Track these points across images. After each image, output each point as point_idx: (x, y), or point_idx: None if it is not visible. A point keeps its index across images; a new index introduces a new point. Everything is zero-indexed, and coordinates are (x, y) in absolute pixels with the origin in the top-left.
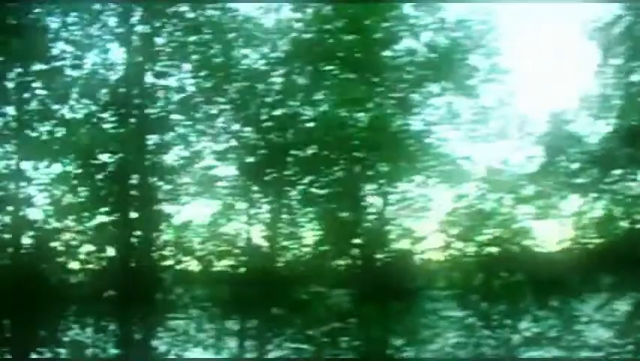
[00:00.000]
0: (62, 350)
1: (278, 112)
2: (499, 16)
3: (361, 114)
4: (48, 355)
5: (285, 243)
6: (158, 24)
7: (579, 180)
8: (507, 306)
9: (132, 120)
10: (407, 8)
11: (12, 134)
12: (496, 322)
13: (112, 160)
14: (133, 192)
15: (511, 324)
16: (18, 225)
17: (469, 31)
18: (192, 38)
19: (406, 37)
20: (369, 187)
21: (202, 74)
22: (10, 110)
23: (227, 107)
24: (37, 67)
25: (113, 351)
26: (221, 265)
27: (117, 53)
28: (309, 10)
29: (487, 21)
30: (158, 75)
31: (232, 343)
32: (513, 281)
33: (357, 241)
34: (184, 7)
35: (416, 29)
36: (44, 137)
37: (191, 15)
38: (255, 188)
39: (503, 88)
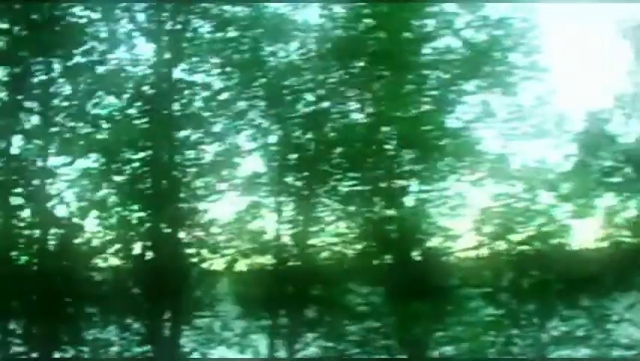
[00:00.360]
0: (88, 349)
1: (313, 109)
2: (539, 15)
3: (399, 111)
4: (73, 353)
5: (318, 240)
6: (186, 20)
7: (613, 179)
8: (539, 305)
9: (161, 117)
10: (448, 6)
11: (40, 131)
12: (526, 321)
13: (140, 157)
14: (162, 189)
15: (542, 323)
16: (45, 221)
17: (510, 29)
18: (221, 35)
19: (446, 34)
20: (405, 184)
21: (234, 70)
22: (37, 106)
23: (261, 103)
24: (64, 63)
25: (139, 350)
26: (252, 262)
27: (144, 49)
28: (346, 8)
29: (528, 19)
30: (187, 71)
31: (263, 342)
32: (545, 280)
33: (392, 238)
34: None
35: (456, 27)
36: (72, 133)
37: (220, 11)
38: (289, 185)
39: (542, 86)
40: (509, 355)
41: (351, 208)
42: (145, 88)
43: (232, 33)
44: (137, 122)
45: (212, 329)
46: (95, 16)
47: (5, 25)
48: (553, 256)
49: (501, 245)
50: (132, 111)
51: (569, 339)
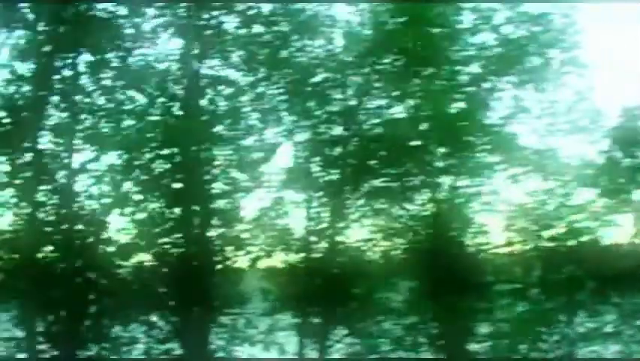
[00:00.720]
0: (114, 346)
1: (348, 105)
2: (578, 12)
3: (435, 107)
4: (98, 351)
5: (354, 236)
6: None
7: None
8: (570, 301)
9: (190, 113)
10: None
11: (66, 126)
12: (557, 317)
13: (170, 153)
14: (191, 186)
15: (572, 319)
16: (71, 217)
17: (550, 25)
18: (248, 30)
19: (484, 30)
20: (441, 180)
21: (265, 65)
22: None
23: (294, 99)
24: (90, 58)
25: (167, 347)
26: (284, 259)
27: (172, 45)
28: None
29: (567, 15)
30: (217, 68)
31: (293, 340)
32: (576, 276)
33: (427, 234)
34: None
35: (494, 23)
36: (98, 129)
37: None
38: (323, 181)
39: (580, 82)
40: (540, 352)
41: (386, 204)
42: (172, 84)
43: (263, 29)
44: (165, 118)
45: (241, 326)
46: (122, 12)
47: (30, 21)
48: (586, 252)
49: (535, 241)
50: (160, 107)
51: (599, 335)
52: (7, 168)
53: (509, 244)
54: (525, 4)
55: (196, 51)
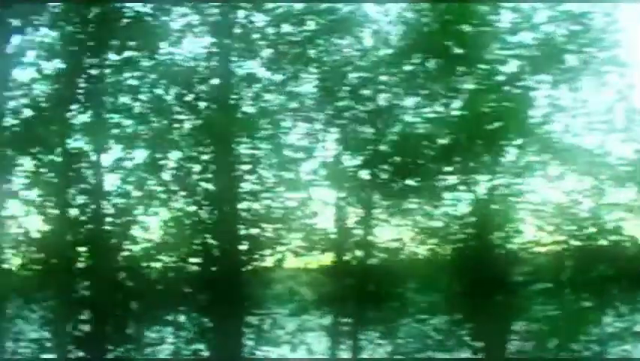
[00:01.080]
0: (141, 347)
1: (384, 104)
2: (619, 11)
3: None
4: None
5: (389, 236)
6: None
7: None
8: (602, 300)
9: (220, 112)
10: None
11: (94, 125)
12: (588, 315)
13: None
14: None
15: (602, 318)
16: (100, 217)
17: (590, 24)
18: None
19: (524, 29)
20: (479, 179)
21: (300, 63)
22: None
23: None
24: (114, 57)
25: (196, 348)
26: (316, 259)
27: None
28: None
29: (609, 14)
30: (246, 67)
31: (326, 341)
32: (611, 275)
33: (463, 233)
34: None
35: (534, 22)
36: (126, 128)
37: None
38: (360, 180)
39: (620, 81)
40: (573, 351)
41: (421, 204)
42: (202, 83)
43: (294, 28)
44: (195, 116)
45: (271, 327)
46: (150, 11)
47: (57, 20)
48: (622, 251)
49: (571, 240)
50: (189, 106)
51: (630, 335)
52: (35, 167)
53: (546, 243)
54: (566, 4)
55: (226, 49)
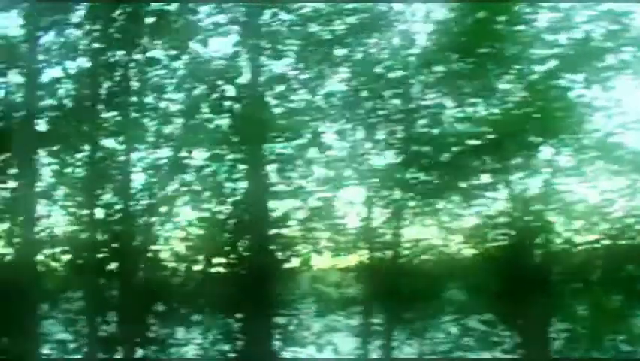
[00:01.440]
0: (168, 349)
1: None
2: None
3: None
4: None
5: (429, 235)
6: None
7: None
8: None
9: (249, 111)
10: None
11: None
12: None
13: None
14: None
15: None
16: (129, 217)
17: (630, 23)
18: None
19: (563, 29)
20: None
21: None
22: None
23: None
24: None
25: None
26: (347, 258)
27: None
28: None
29: None
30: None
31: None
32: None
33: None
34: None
35: (573, 21)
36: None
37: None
38: (400, 179)
39: None
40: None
41: (456, 203)
42: (229, 82)
43: (323, 27)
44: (223, 116)
45: (301, 327)
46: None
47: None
48: None
49: (607, 239)
50: (216, 106)
51: None
52: (63, 167)
53: (582, 242)
54: (608, 4)
55: (255, 48)
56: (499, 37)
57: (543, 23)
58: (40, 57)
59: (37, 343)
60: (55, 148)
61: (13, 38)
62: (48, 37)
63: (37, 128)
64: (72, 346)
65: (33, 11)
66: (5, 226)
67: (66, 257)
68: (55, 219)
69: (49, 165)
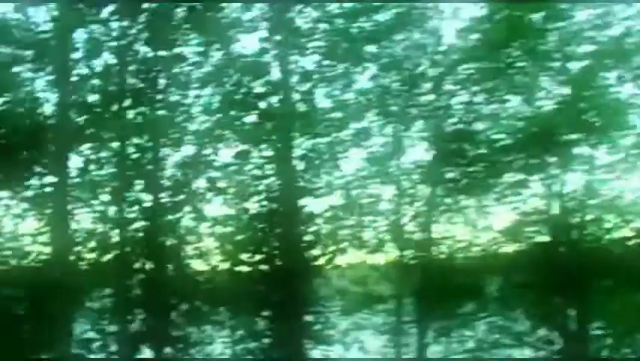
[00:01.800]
0: (193, 347)
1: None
2: None
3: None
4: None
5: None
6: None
7: None
8: None
9: (279, 110)
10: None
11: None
12: None
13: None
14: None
15: None
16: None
17: None
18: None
19: (598, 28)
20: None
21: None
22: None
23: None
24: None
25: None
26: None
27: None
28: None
29: None
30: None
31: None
32: None
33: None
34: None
35: (608, 20)
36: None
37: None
38: (441, 176)
39: None
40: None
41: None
42: (257, 79)
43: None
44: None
45: (331, 325)
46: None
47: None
48: None
49: None
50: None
51: None
52: (92, 163)
53: (621, 238)
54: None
55: (283, 45)
56: (537, 34)
57: (583, 21)
58: (72, 54)
59: (69, 341)
60: (87, 145)
61: (45, 33)
62: (79, 34)
63: (70, 124)
64: (96, 344)
65: (63, 7)
66: (39, 223)
67: (94, 255)
68: (85, 216)
69: (82, 161)
